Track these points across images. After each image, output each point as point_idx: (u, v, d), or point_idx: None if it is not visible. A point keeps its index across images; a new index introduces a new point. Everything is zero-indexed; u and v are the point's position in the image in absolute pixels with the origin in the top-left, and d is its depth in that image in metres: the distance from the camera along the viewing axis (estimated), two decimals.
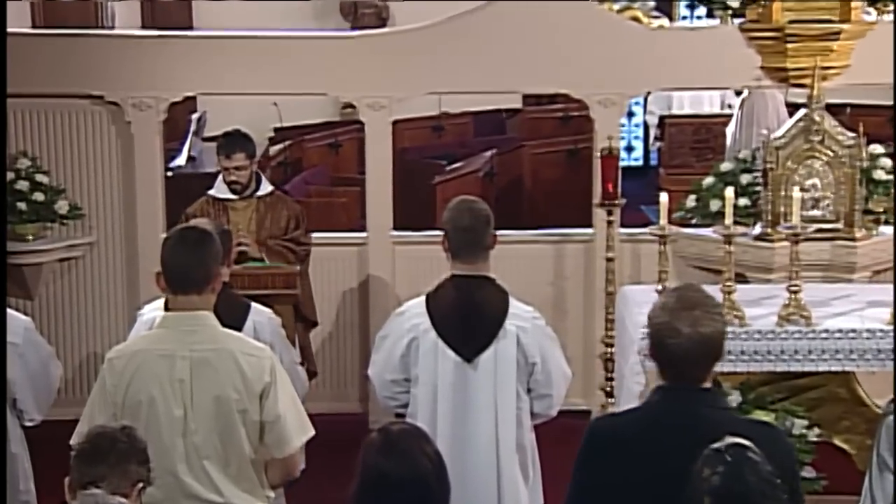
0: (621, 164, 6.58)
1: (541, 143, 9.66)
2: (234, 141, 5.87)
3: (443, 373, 4.07)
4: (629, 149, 12.22)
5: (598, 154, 6.46)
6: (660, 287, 5.10)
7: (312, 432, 3.60)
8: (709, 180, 6.48)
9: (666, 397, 2.92)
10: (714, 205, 6.29)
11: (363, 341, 6.75)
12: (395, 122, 6.87)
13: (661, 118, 11.02)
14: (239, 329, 3.92)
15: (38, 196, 6.50)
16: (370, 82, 6.65)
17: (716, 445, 2.55)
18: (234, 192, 5.90)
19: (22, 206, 6.48)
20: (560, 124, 10.28)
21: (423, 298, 4.15)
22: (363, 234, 6.83)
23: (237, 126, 6.06)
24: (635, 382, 4.98)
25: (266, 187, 6.00)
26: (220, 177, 5.97)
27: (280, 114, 9.62)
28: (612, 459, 2.90)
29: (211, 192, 5.96)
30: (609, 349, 6.35)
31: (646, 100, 11.54)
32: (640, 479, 2.81)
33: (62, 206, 6.55)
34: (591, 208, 6.73)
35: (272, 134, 9.77)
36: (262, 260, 5.82)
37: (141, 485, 2.91)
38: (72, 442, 3.40)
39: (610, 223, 6.42)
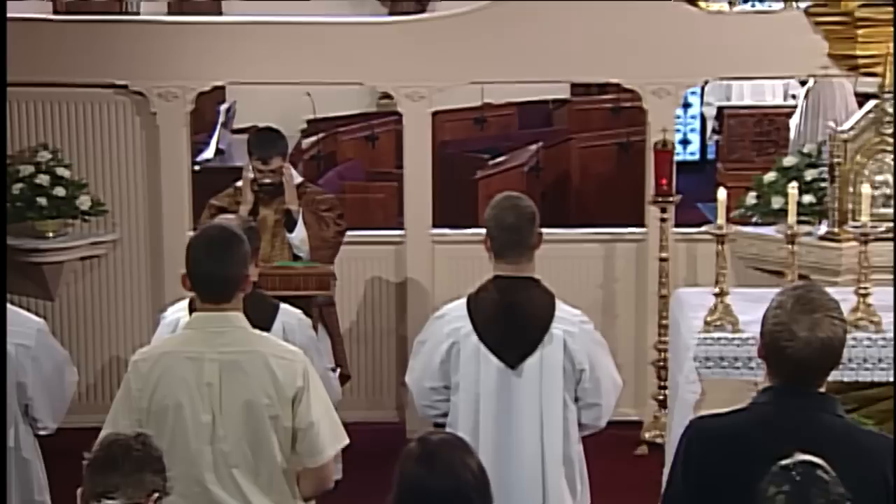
0: (676, 158, 6.56)
1: (590, 135, 9.63)
2: (268, 143, 5.83)
3: (485, 380, 4.08)
4: (685, 142, 12.16)
5: (652, 147, 6.45)
6: (717, 290, 5.07)
7: (347, 441, 3.62)
8: (770, 176, 6.45)
9: (778, 400, 2.93)
10: (776, 202, 6.26)
11: (400, 346, 6.77)
12: (434, 114, 6.89)
13: (720, 109, 10.95)
14: (266, 331, 3.95)
15: (59, 191, 6.56)
16: (408, 71, 6.67)
17: (784, 462, 2.54)
18: (266, 192, 5.91)
19: (42, 201, 6.53)
20: (611, 116, 10.24)
21: (463, 301, 4.16)
22: (400, 233, 6.85)
23: (267, 120, 6.09)
24: (690, 392, 4.96)
25: (296, 178, 6.02)
26: (249, 168, 5.98)
27: (313, 104, 9.66)
28: (718, 458, 2.90)
29: (239, 183, 6.00)
30: (662, 356, 6.34)
31: (703, 89, 11.47)
32: (750, 479, 2.81)
33: (84, 202, 6.61)
34: (643, 205, 6.71)
35: (304, 126, 9.81)
36: (292, 224, 5.81)
37: (157, 495, 2.93)
38: None
39: (664, 221, 6.40)
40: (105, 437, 2.97)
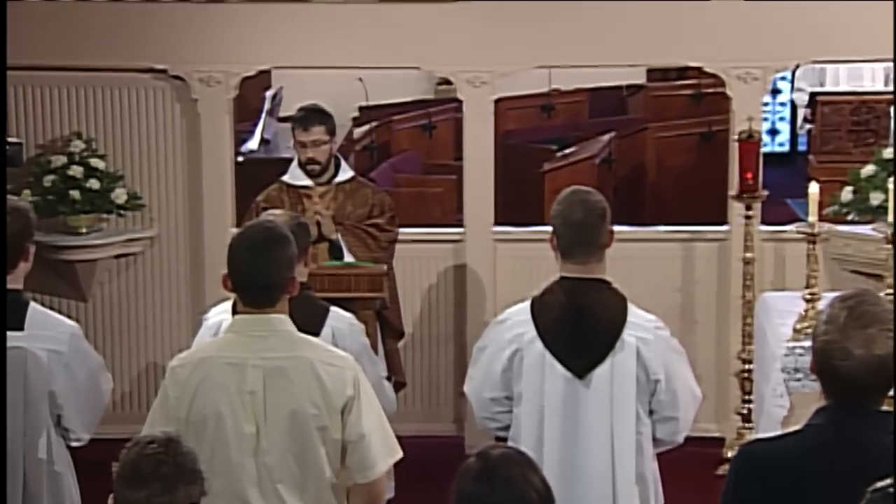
0: (763, 149, 6.51)
1: (668, 124, 9.58)
2: (311, 113, 5.94)
3: (550, 390, 4.08)
4: (773, 132, 12.06)
5: (736, 138, 6.41)
6: (807, 294, 5.04)
7: (400, 454, 3.64)
8: (869, 169, 6.38)
9: (834, 420, 2.91)
10: (875, 198, 6.20)
11: (458, 353, 6.78)
12: (497, 101, 6.89)
13: (813, 96, 10.83)
14: (315, 336, 3.98)
15: (93, 183, 6.63)
16: (469, 54, 6.68)
17: (881, 485, 2.51)
18: (310, 174, 5.97)
19: (75, 194, 6.60)
20: (691, 103, 10.17)
21: (527, 304, 4.16)
22: (460, 230, 6.87)
23: (315, 101, 6.14)
24: (777, 406, 4.94)
25: (346, 172, 6.07)
26: (295, 161, 6.05)
27: (366, 90, 9.70)
28: (774, 486, 2.90)
29: (284, 177, 6.05)
30: (746, 366, 6.30)
31: (794, 74, 11.36)
32: None
33: (120, 195, 6.69)
34: (726, 201, 6.67)
35: (356, 114, 9.85)
36: (339, 252, 5.87)
37: None
38: None
39: (749, 219, 6.36)
40: (133, 444, 2.97)
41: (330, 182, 6.02)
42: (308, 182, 6.00)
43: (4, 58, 5.52)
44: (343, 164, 6.11)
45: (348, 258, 5.89)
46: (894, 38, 6.20)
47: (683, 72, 9.71)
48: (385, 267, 5.87)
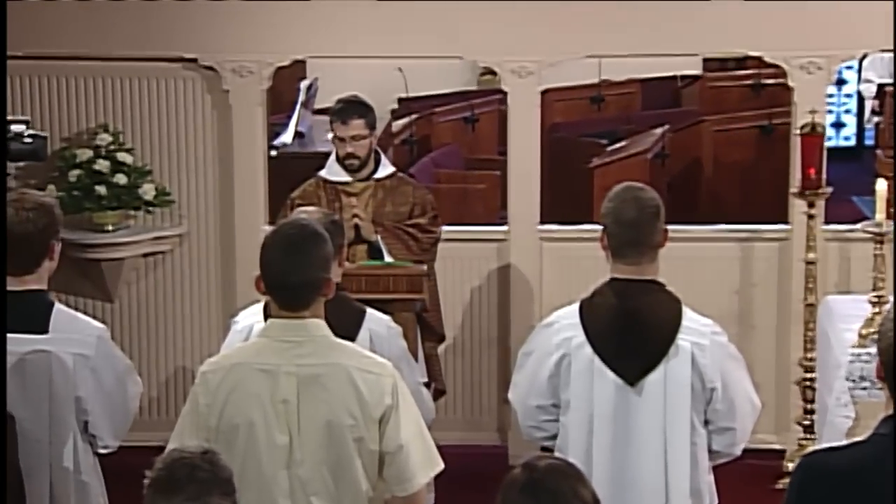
0: (827, 143, 6.48)
1: (725, 117, 9.55)
2: (350, 106, 5.96)
3: (600, 398, 4.07)
4: (838, 125, 11.97)
5: (798, 131, 6.37)
6: (873, 297, 5.00)
7: (441, 466, 3.64)
8: None
9: None
10: None
11: (502, 358, 6.78)
12: (544, 92, 6.89)
13: (881, 87, 10.76)
14: (351, 340, 3.99)
15: (120, 178, 6.68)
16: (515, 43, 6.67)
17: None
18: (349, 169, 5.99)
19: (101, 189, 6.64)
20: (750, 94, 10.13)
21: (575, 307, 4.16)
22: (503, 229, 6.86)
23: (354, 93, 6.15)
24: (841, 416, 4.91)
25: (386, 168, 6.08)
26: (332, 156, 6.07)
27: (405, 81, 9.71)
28: (837, 499, 2.88)
29: (321, 173, 6.07)
30: (808, 374, 6.27)
31: (861, 64, 11.28)
32: None
33: (147, 191, 6.73)
34: (787, 199, 6.64)
35: (395, 106, 9.88)
36: (379, 254, 5.88)
37: None
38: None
39: (811, 217, 6.32)
40: (168, 454, 3.02)
41: (369, 178, 6.03)
42: (346, 178, 6.01)
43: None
44: (383, 159, 6.12)
45: (388, 261, 5.90)
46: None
47: (742, 61, 9.66)
48: (424, 266, 5.87)
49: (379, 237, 5.92)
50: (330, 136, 6.11)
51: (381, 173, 6.05)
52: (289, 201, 6.05)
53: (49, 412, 4.10)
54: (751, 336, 6.62)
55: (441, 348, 6.29)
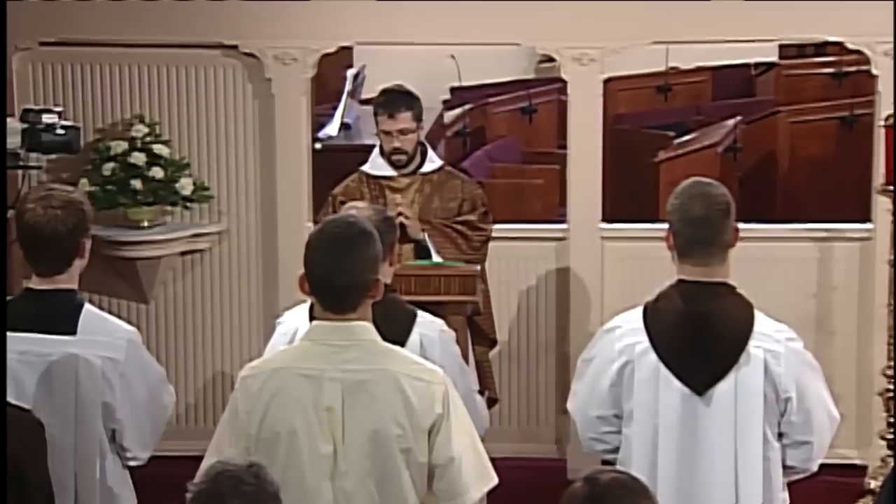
0: None
1: (803, 108, 9.48)
2: (397, 97, 5.96)
3: (665, 408, 4.06)
4: None
5: (882, 123, 6.33)
6: None
7: (495, 481, 3.65)
8: None
9: None
10: None
11: (561, 366, 6.77)
12: (606, 81, 6.87)
13: None
14: (401, 344, 4.00)
15: (157, 172, 6.72)
16: (575, 28, 6.66)
17: None
18: (396, 165, 6.00)
19: (136, 184, 6.69)
20: (830, 83, 10.05)
21: (639, 311, 4.15)
22: (563, 227, 6.86)
23: (400, 83, 6.16)
24: None
25: (433, 161, 6.09)
26: (376, 150, 6.08)
27: (458, 70, 9.72)
28: None
29: (364, 167, 6.09)
30: (892, 384, 6.23)
31: None
32: None
33: (185, 186, 6.77)
34: (870, 196, 6.61)
35: (448, 95, 9.88)
36: (426, 254, 5.88)
37: None
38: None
39: None
40: (212, 466, 3.03)
41: (415, 172, 6.04)
42: (391, 172, 6.02)
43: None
44: (430, 152, 6.12)
45: (436, 260, 5.90)
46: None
47: (822, 47, 9.59)
48: (478, 266, 5.87)
49: (426, 235, 5.93)
50: (376, 129, 6.11)
51: (427, 167, 6.06)
52: (331, 198, 6.08)
53: (75, 418, 4.13)
54: (829, 343, 6.58)
55: (493, 353, 6.29)
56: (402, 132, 5.95)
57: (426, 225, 5.94)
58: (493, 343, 6.24)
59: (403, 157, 6.00)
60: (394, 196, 5.96)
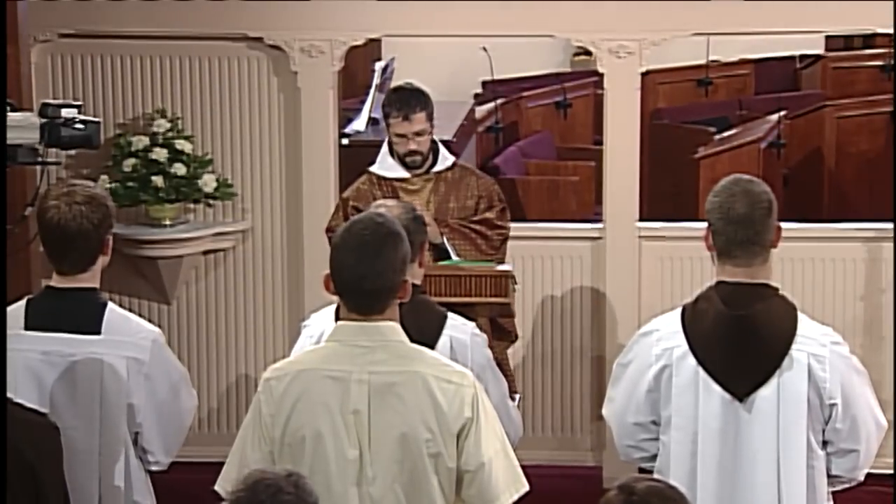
0: None
1: (850, 102, 9.45)
2: (411, 97, 5.90)
3: (705, 415, 4.06)
4: None
5: None
6: None
7: (526, 488, 3.65)
8: None
9: None
10: None
11: (596, 370, 6.77)
12: (645, 74, 6.85)
13: None
14: (430, 347, 4.00)
15: (179, 168, 6.75)
16: (612, 20, 6.66)
17: None
18: (411, 167, 5.97)
19: (158, 180, 6.72)
20: (879, 76, 10.03)
21: (678, 313, 4.15)
22: (599, 226, 6.85)
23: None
24: None
25: (446, 158, 6.04)
26: (384, 149, 6.03)
27: (491, 62, 9.72)
28: None
29: (373, 168, 6.05)
30: None
31: None
32: None
33: (208, 182, 6.79)
34: None
35: (479, 89, 9.90)
36: (446, 256, 5.87)
37: None
38: (217, 487, 3.55)
39: None
40: (250, 474, 3.03)
41: (428, 172, 6.00)
42: (403, 174, 5.98)
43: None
44: (441, 149, 6.06)
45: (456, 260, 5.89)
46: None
47: (870, 39, 9.55)
48: (510, 267, 5.87)
49: (445, 238, 5.91)
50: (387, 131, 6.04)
51: (440, 165, 6.00)
52: (341, 202, 6.05)
53: (100, 419, 4.15)
54: (878, 348, 6.55)
55: (522, 356, 6.27)
56: (419, 133, 5.91)
57: (444, 227, 5.92)
58: (514, 339, 6.22)
59: (419, 159, 5.95)
60: (409, 198, 5.93)
